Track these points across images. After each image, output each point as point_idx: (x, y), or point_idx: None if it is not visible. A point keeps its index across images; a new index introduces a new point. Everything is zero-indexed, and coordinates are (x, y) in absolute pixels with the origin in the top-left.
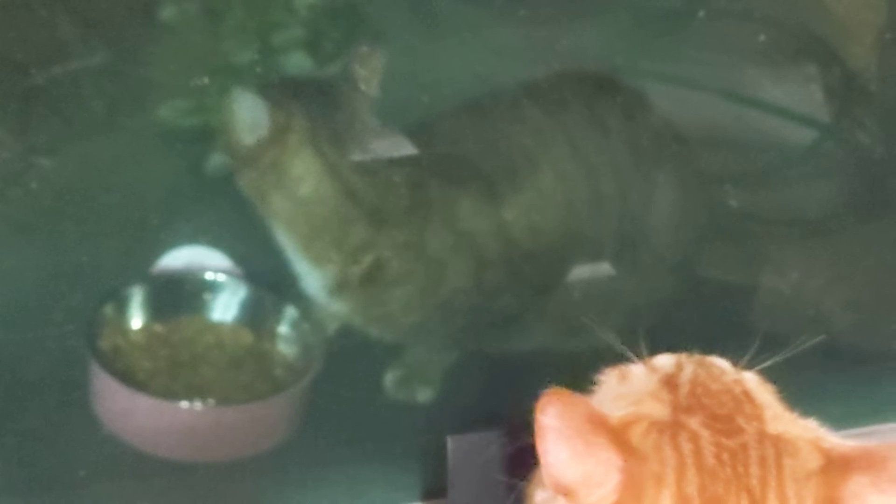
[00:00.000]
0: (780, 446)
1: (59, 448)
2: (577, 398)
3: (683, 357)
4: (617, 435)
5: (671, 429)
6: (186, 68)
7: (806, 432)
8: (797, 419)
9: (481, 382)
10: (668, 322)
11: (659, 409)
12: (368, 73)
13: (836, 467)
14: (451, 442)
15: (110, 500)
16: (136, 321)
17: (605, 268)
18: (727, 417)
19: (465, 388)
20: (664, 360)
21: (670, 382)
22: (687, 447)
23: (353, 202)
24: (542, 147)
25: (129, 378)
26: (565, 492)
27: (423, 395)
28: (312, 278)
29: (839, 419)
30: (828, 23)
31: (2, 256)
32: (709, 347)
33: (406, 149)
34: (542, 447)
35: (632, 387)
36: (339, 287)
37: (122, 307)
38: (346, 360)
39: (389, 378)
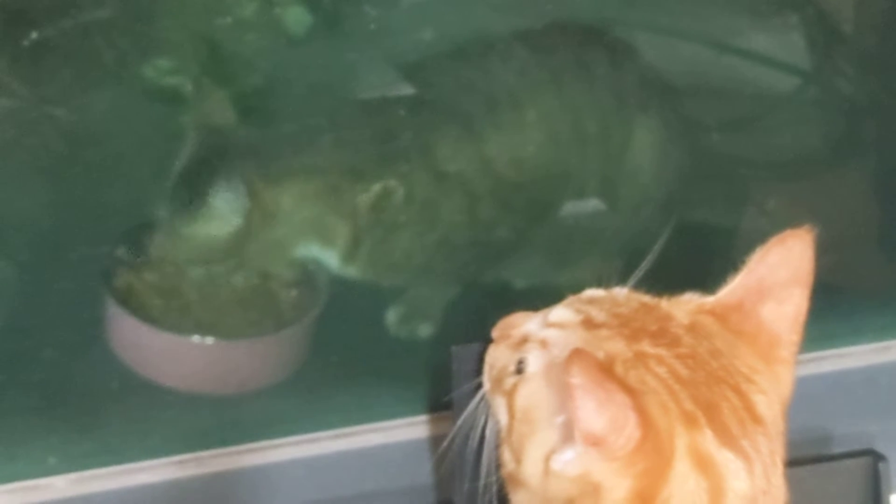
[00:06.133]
0: (700, 332)
1: (77, 380)
2: (589, 353)
3: (570, 301)
4: (619, 378)
5: (638, 360)
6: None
7: (691, 305)
8: (678, 300)
9: (484, 305)
10: (658, 259)
11: (615, 347)
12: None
13: (737, 317)
14: (454, 351)
15: (127, 428)
16: (150, 262)
17: (595, 203)
18: (661, 331)
19: (469, 312)
20: (559, 312)
21: (590, 324)
22: (661, 370)
23: (338, 185)
24: (527, 87)
25: (142, 314)
26: (596, 441)
27: (425, 330)
28: (323, 255)
29: (818, 339)
30: None
31: (20, 201)
32: (691, 283)
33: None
34: (573, 404)
35: (566, 343)
36: (350, 254)
37: (135, 248)
38: (352, 295)
39: (392, 316)
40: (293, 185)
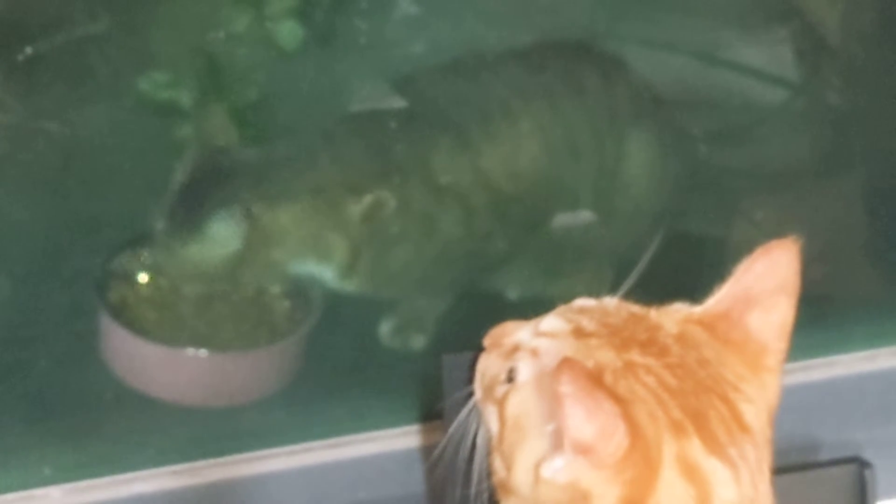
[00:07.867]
0: (689, 341)
1: (72, 391)
2: (579, 362)
3: (560, 311)
4: (608, 387)
5: (628, 370)
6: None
7: (679, 315)
8: (666, 310)
9: (476, 316)
10: (647, 269)
11: (605, 356)
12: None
13: (724, 326)
14: (445, 360)
15: (121, 438)
16: (143, 275)
17: (586, 215)
18: (650, 340)
19: (461, 323)
20: (550, 321)
21: (580, 333)
22: (649, 380)
23: (335, 202)
24: (520, 100)
25: (136, 327)
26: (585, 450)
27: (418, 342)
28: (321, 271)
29: (806, 348)
30: None
31: (15, 214)
32: (680, 293)
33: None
34: (562, 413)
35: (556, 352)
36: (348, 269)
37: (129, 262)
38: (345, 307)
39: (385, 328)
40: (291, 205)
